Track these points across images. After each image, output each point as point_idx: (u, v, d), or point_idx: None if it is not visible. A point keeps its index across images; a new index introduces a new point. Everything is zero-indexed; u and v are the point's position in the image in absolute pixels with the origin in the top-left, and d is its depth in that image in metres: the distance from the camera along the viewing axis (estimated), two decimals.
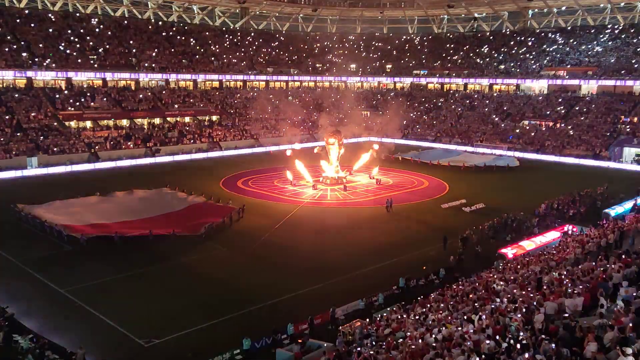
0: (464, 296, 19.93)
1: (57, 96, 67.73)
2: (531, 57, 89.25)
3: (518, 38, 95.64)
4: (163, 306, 23.56)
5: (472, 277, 24.40)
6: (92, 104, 68.97)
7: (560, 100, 79.81)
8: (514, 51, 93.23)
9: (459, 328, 14.99)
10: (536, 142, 71.99)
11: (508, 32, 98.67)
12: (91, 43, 76.04)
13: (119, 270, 27.58)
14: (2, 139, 56.91)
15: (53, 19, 77.20)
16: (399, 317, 19.21)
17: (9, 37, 68.94)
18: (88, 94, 70.16)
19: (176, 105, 76.66)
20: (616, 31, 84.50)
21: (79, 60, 71.49)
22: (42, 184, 49.37)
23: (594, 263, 18.75)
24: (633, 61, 76.28)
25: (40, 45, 70.71)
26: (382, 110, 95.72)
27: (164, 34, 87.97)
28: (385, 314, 20.73)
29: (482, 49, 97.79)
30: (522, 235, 33.16)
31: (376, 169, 53.20)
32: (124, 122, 69.37)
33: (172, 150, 66.96)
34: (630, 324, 11.00)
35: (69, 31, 76.13)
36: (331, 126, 78.26)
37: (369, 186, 49.30)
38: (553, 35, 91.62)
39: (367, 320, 20.51)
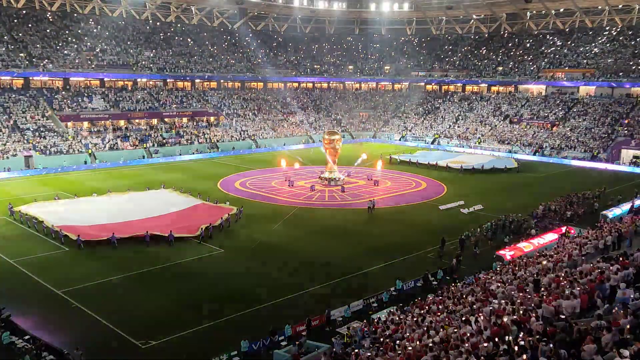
0: (462, 298, 19.91)
1: (55, 97, 67.63)
2: (529, 58, 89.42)
3: (516, 40, 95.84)
4: (160, 307, 23.47)
5: (470, 279, 24.38)
6: (89, 104, 68.91)
7: (558, 102, 79.98)
8: (512, 53, 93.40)
9: (457, 330, 14.98)
10: (534, 143, 72.15)
11: (506, 34, 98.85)
12: (89, 43, 75.93)
13: (116, 272, 27.47)
14: None
15: (50, 19, 77.06)
16: (397, 318, 19.17)
17: (6, 37, 68.80)
18: (85, 95, 70.09)
19: (174, 106, 76.61)
20: (614, 33, 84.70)
21: (77, 61, 71.40)
22: (39, 184, 49.22)
23: (591, 265, 18.75)
24: (631, 63, 76.47)
25: (38, 45, 70.60)
26: (379, 111, 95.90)
27: (162, 34, 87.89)
28: (383, 316, 20.69)
29: (481, 51, 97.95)
30: (520, 236, 33.18)
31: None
32: (122, 123, 69.30)
33: (170, 151, 66.90)
34: (628, 326, 10.99)
35: (67, 31, 76.03)
36: (329, 127, 78.67)
37: (367, 187, 49.28)
38: (551, 37, 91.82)
39: (365, 321, 20.48)
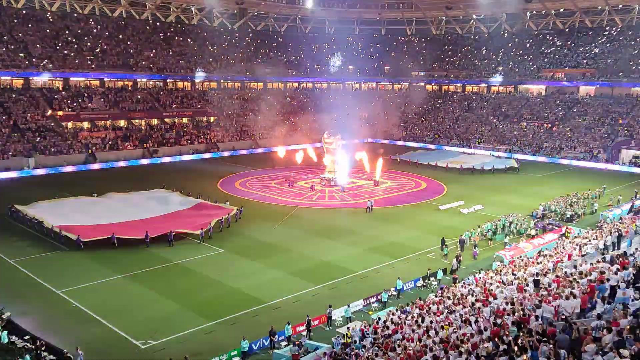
0: (462, 298, 19.92)
1: (55, 97, 67.61)
2: (529, 58, 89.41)
3: (516, 40, 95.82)
4: (160, 307, 23.48)
5: (469, 279, 24.40)
6: (89, 104, 68.88)
7: (558, 102, 79.99)
8: (512, 53, 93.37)
9: (457, 330, 14.99)
10: (534, 143, 72.15)
11: (506, 34, 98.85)
12: (89, 43, 75.88)
13: (116, 272, 27.49)
14: None
15: (50, 19, 77.00)
16: (397, 318, 19.18)
17: (6, 37, 68.75)
18: (85, 95, 70.05)
19: (174, 106, 76.58)
20: (614, 33, 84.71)
21: (77, 61, 71.34)
22: (39, 184, 49.21)
23: (591, 265, 18.76)
24: (631, 63, 76.45)
25: (38, 45, 70.54)
26: (380, 111, 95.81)
27: (161, 34, 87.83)
28: (383, 316, 20.70)
29: (481, 51, 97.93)
30: (520, 236, 33.20)
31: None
32: (122, 123, 69.27)
33: (170, 151, 66.88)
34: (628, 326, 10.99)
35: (67, 31, 75.96)
36: (329, 127, 78.41)
37: (367, 188, 49.28)
38: (551, 37, 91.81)
39: (365, 321, 20.49)
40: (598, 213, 38.20)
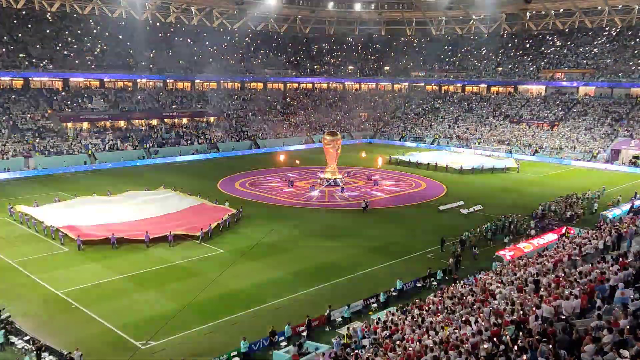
0: (462, 298, 19.91)
1: (55, 97, 67.62)
2: (529, 59, 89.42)
3: (516, 40, 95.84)
4: (160, 308, 23.47)
5: (469, 279, 24.39)
6: (89, 105, 68.89)
7: (557, 102, 79.98)
8: (512, 53, 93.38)
9: (457, 330, 14.98)
10: (534, 143, 72.13)
11: (506, 34, 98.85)
12: (88, 44, 75.93)
13: (116, 272, 27.47)
14: None
15: (50, 20, 77.03)
16: (397, 319, 19.17)
17: (5, 38, 68.77)
18: (85, 95, 70.06)
19: (174, 107, 76.57)
20: (614, 33, 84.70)
21: (76, 62, 71.37)
22: (39, 184, 49.20)
23: (591, 265, 18.75)
24: (630, 63, 76.47)
25: (38, 46, 70.57)
26: (379, 111, 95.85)
27: (161, 35, 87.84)
28: (382, 316, 20.68)
29: (481, 51, 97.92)
30: (520, 237, 33.17)
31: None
32: (122, 124, 69.26)
33: (170, 151, 66.87)
34: (628, 327, 10.99)
35: (67, 32, 76.01)
36: (329, 127, 78.61)
37: (366, 187, 49.27)
38: (551, 38, 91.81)
39: (365, 322, 20.48)
40: (598, 213, 38.17)
